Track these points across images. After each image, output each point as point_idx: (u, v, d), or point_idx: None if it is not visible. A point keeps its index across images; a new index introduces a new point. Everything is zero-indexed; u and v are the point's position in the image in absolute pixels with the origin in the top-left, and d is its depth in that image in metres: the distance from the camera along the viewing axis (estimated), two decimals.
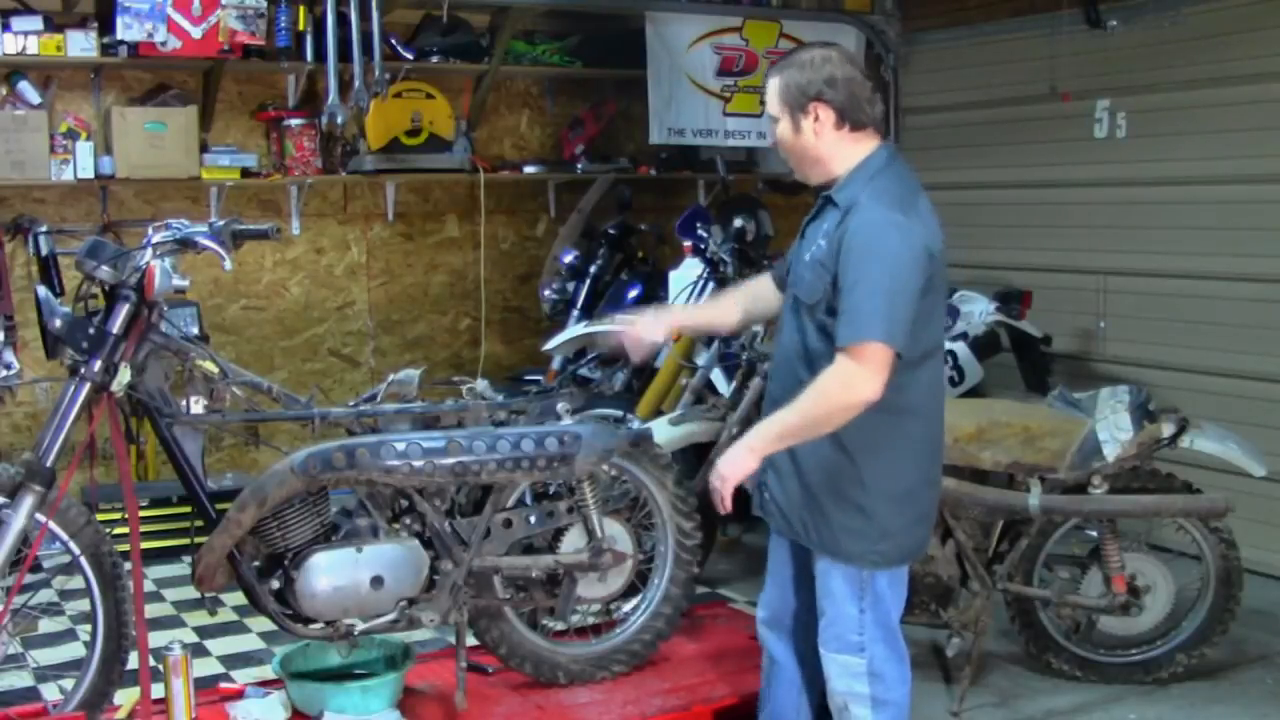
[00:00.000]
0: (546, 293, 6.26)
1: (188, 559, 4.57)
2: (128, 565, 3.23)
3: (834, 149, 2.89)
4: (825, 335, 2.85)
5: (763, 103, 5.56)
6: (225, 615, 4.69)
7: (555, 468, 3.41)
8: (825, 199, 2.93)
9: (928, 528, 3.08)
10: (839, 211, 2.85)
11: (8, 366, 5.30)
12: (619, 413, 4.83)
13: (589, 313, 5.98)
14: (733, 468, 2.85)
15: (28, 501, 3.11)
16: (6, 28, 5.30)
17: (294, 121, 6.03)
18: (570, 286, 6.16)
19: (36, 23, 5.36)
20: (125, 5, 5.30)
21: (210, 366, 3.28)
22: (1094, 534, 4.08)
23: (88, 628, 3.30)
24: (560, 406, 3.56)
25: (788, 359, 3.01)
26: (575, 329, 5.70)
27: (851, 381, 2.71)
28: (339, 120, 5.74)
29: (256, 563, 3.31)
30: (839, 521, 2.93)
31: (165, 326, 3.25)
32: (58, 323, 3.14)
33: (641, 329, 3.33)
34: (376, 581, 3.32)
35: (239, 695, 3.54)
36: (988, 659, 4.19)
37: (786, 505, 3.03)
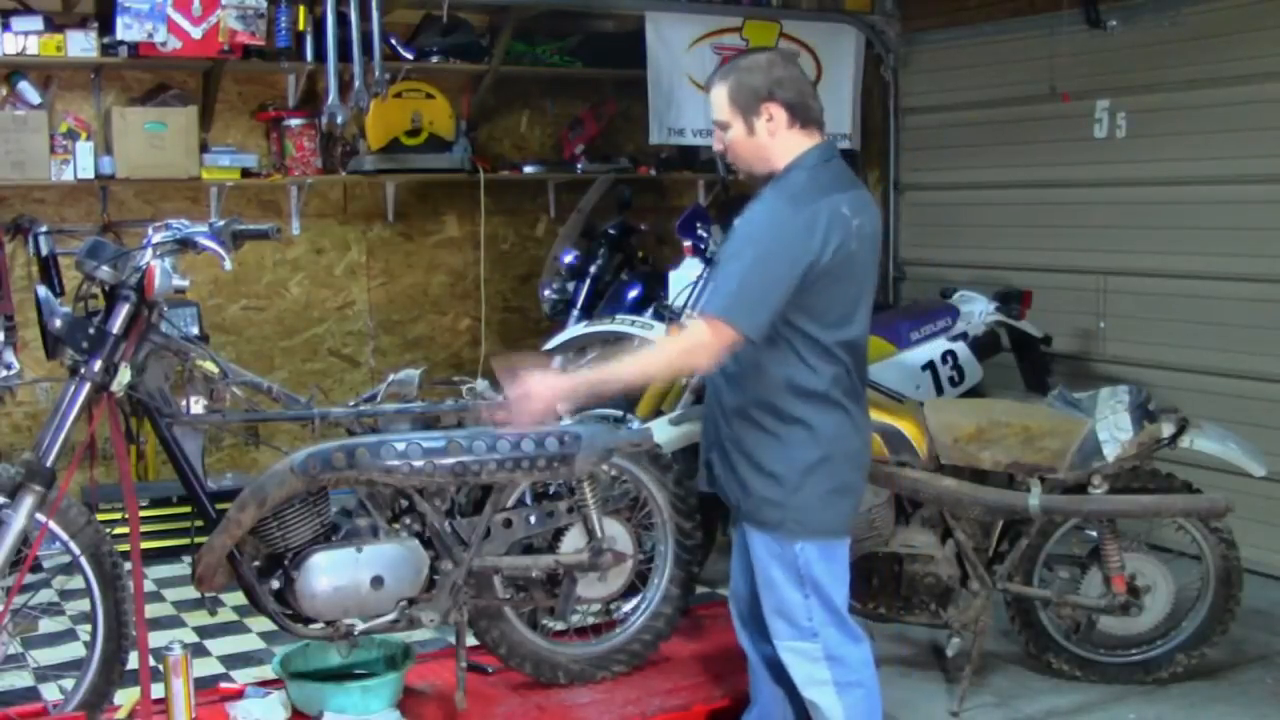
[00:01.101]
0: (546, 293, 6.26)
1: (188, 559, 4.56)
2: (128, 565, 3.23)
3: (784, 147, 2.97)
4: None
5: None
6: (225, 615, 4.69)
7: (555, 468, 3.40)
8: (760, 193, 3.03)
9: (851, 504, 3.08)
10: None
11: (8, 366, 5.30)
12: (619, 413, 4.82)
13: (589, 313, 5.97)
14: (545, 392, 2.97)
15: (28, 501, 3.11)
16: (6, 28, 5.30)
17: (294, 121, 6.03)
18: (570, 286, 6.15)
19: (36, 23, 5.36)
20: (125, 5, 5.30)
21: (210, 366, 3.28)
22: (1094, 534, 4.08)
23: (88, 628, 3.30)
24: (560, 406, 3.56)
25: None
26: (575, 329, 5.69)
27: (694, 350, 2.89)
28: (339, 120, 5.74)
29: (256, 563, 3.31)
30: (757, 490, 3.00)
31: (165, 326, 3.25)
32: (58, 323, 3.14)
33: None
34: (376, 581, 3.32)
35: (239, 695, 3.54)
36: (988, 659, 4.19)
37: (726, 479, 3.11)
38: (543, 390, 2.97)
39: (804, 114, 2.97)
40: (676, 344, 2.97)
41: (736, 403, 3.01)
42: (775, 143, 2.97)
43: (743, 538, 3.23)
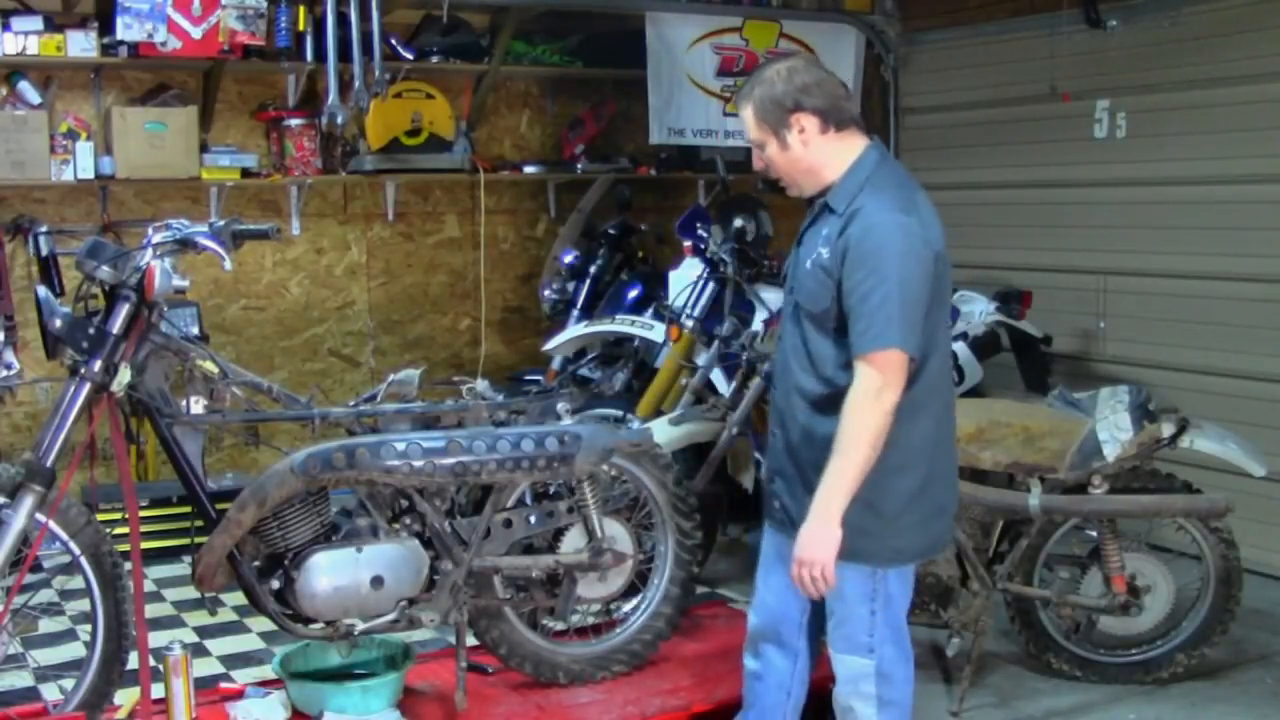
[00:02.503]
0: (546, 293, 6.27)
1: (188, 559, 4.56)
2: (128, 565, 3.23)
3: (824, 155, 2.88)
4: (830, 339, 2.85)
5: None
6: (225, 615, 4.69)
7: (555, 468, 3.40)
8: (823, 205, 2.91)
9: (945, 523, 3.03)
10: (838, 218, 2.83)
11: (8, 366, 5.30)
12: (619, 413, 4.83)
13: (589, 313, 5.98)
14: (821, 548, 2.75)
15: (28, 501, 3.11)
16: (6, 28, 5.30)
17: (294, 121, 6.03)
18: (570, 286, 6.16)
19: (36, 23, 5.36)
20: (125, 5, 5.30)
21: (210, 366, 3.28)
22: (1094, 534, 4.08)
23: (88, 628, 3.30)
24: (560, 406, 3.56)
25: (786, 363, 3.00)
26: (575, 329, 5.70)
27: (878, 393, 2.71)
28: (339, 120, 5.73)
29: (256, 563, 3.31)
30: (850, 522, 2.83)
31: (165, 326, 3.25)
32: (58, 323, 3.14)
33: None
34: (376, 581, 3.32)
35: (239, 695, 3.53)
36: (988, 659, 4.19)
37: (797, 511, 2.95)
38: (821, 552, 2.76)
39: (836, 117, 2.86)
40: (868, 400, 2.71)
41: (829, 429, 2.81)
42: (811, 153, 2.87)
43: (778, 550, 3.11)
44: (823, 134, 2.86)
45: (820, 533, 2.75)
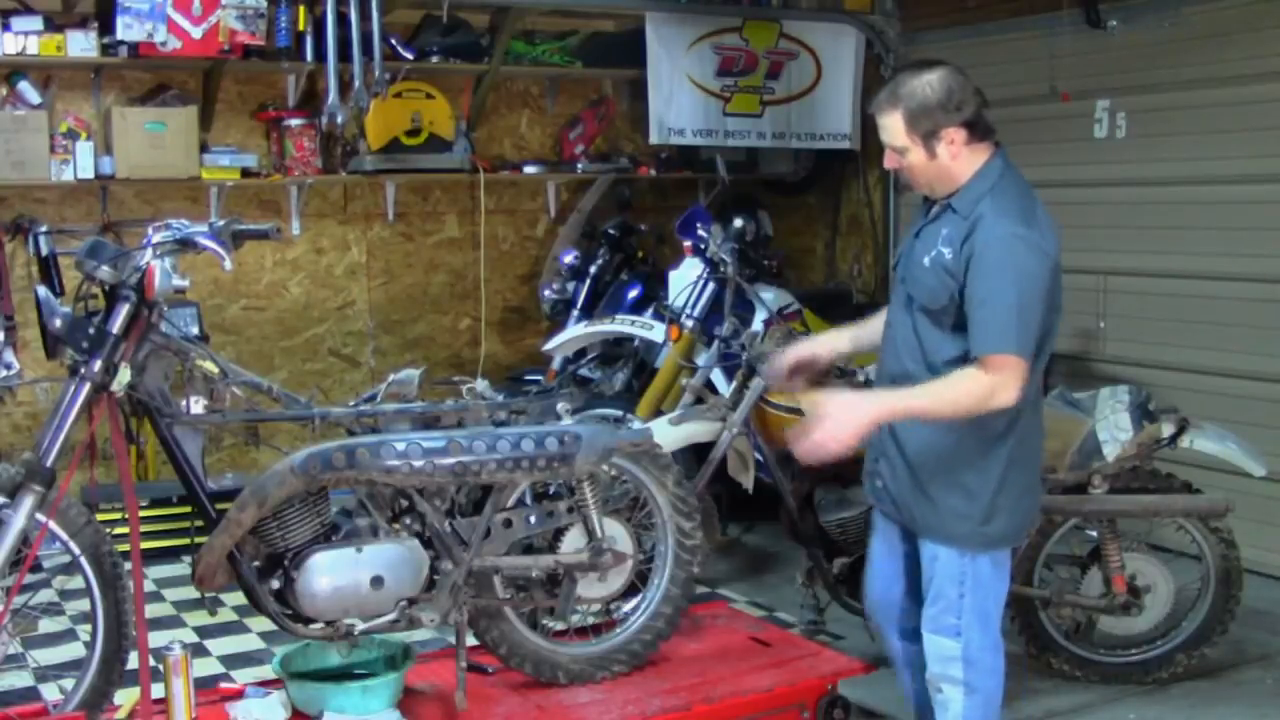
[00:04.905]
0: (546, 293, 6.27)
1: (188, 559, 4.57)
2: (128, 565, 3.23)
3: (965, 163, 3.02)
4: (945, 334, 2.98)
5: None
6: (225, 615, 4.69)
7: (555, 468, 3.40)
8: (946, 205, 3.03)
9: (1034, 500, 3.17)
10: (962, 220, 2.96)
11: (8, 366, 5.30)
12: (619, 413, 4.83)
13: (589, 313, 5.98)
14: (847, 429, 2.86)
15: (28, 501, 3.10)
16: (6, 28, 5.30)
17: (294, 121, 6.03)
18: (570, 286, 6.16)
19: (36, 23, 5.36)
20: (125, 5, 5.30)
21: (210, 366, 3.28)
22: (1094, 534, 4.08)
23: (88, 628, 3.30)
24: (560, 406, 3.56)
25: (895, 350, 3.14)
26: (575, 329, 5.70)
27: (992, 392, 2.84)
28: (339, 120, 5.74)
29: (256, 563, 3.31)
30: (946, 505, 3.03)
31: (165, 326, 3.24)
32: (58, 323, 3.14)
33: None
34: (376, 581, 3.32)
35: (239, 695, 3.53)
36: None
37: (898, 492, 3.15)
38: (849, 416, 2.88)
39: (982, 129, 3.02)
40: (980, 387, 2.85)
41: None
42: (956, 164, 3.01)
43: (888, 540, 3.29)
44: (967, 144, 3.00)
45: (858, 417, 2.86)
